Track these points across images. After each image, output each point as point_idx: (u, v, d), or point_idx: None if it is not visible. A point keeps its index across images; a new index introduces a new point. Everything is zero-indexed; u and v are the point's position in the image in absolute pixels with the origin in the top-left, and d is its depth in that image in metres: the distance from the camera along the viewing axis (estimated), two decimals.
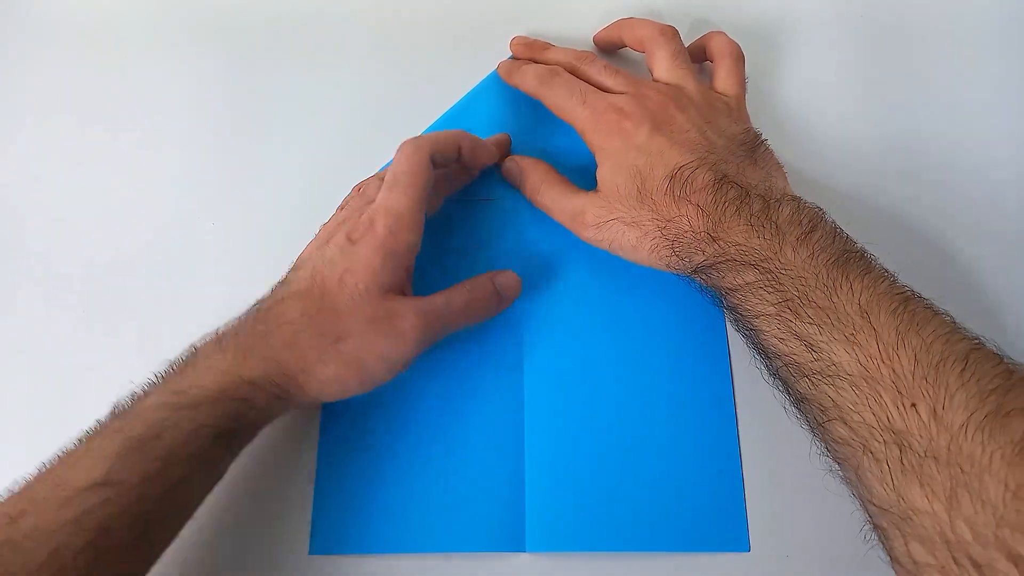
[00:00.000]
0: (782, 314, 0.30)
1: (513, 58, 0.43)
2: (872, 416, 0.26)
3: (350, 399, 0.36)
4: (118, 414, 0.30)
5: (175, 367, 0.31)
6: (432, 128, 0.42)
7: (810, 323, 0.29)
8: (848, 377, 0.27)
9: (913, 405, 0.25)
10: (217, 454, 0.30)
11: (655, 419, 0.36)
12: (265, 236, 0.41)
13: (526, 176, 0.39)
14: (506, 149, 0.41)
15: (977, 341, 0.27)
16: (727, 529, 0.34)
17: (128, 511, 0.27)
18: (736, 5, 0.46)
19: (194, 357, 0.31)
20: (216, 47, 0.46)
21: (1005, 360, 0.26)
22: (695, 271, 0.33)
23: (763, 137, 0.37)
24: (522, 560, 0.34)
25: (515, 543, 0.34)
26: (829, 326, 0.28)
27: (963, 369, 0.25)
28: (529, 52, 0.42)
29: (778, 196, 0.32)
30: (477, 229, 0.40)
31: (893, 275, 0.30)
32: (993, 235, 0.40)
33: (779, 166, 0.37)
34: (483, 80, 0.43)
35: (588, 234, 0.36)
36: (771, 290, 0.30)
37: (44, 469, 0.28)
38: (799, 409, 0.30)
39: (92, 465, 0.27)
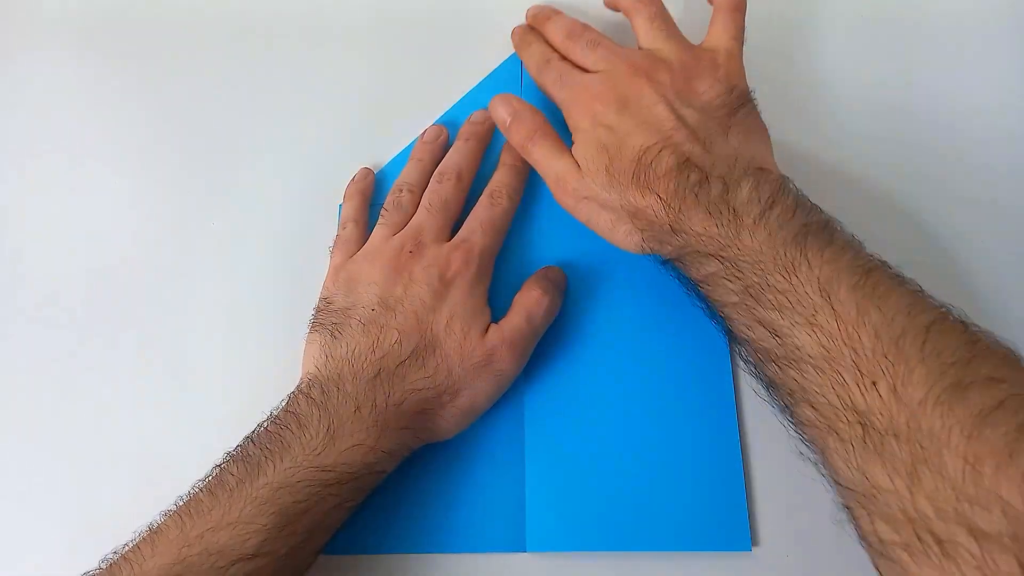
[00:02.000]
0: (745, 302, 0.30)
1: (527, 26, 0.43)
2: (836, 397, 0.26)
3: None
4: (253, 469, 0.29)
5: (314, 436, 0.30)
6: (440, 120, 0.42)
7: (772, 308, 0.29)
8: (811, 360, 0.27)
9: (874, 383, 0.25)
10: (345, 518, 0.32)
11: (656, 418, 0.36)
12: (266, 236, 0.41)
13: (519, 122, 0.38)
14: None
15: (942, 311, 0.26)
16: (728, 528, 0.34)
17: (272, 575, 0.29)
18: None
19: (333, 430, 0.30)
20: (216, 47, 0.46)
21: (970, 330, 0.26)
22: (666, 262, 0.34)
23: (751, 93, 0.36)
24: (522, 560, 0.34)
25: (515, 543, 0.34)
26: (790, 310, 0.28)
27: (924, 342, 0.25)
28: (536, 22, 0.43)
29: (739, 174, 0.32)
30: None
31: (859, 244, 0.30)
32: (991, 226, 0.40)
33: (760, 128, 0.36)
34: (492, 72, 0.43)
35: (567, 203, 0.36)
36: (732, 279, 0.30)
37: (188, 531, 0.28)
38: (770, 394, 0.30)
39: (245, 536, 0.28)
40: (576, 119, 0.36)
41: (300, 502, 0.29)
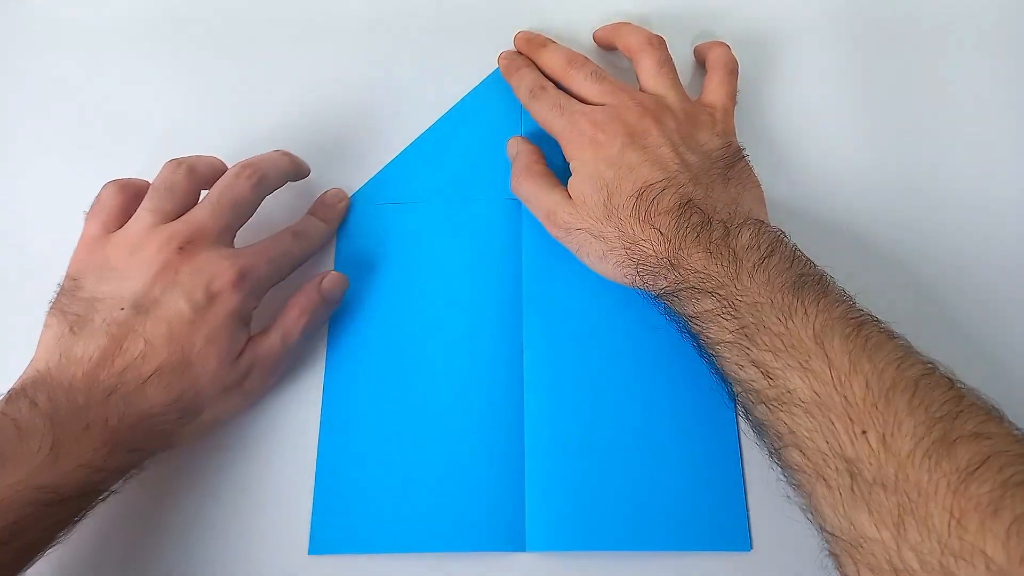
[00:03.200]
0: (739, 341, 0.30)
1: (515, 52, 0.43)
2: (825, 443, 0.26)
3: (348, 399, 0.37)
4: None
5: (35, 451, 0.27)
6: (432, 129, 0.42)
7: (766, 350, 0.29)
8: (802, 404, 0.27)
9: (863, 432, 0.25)
10: (64, 532, 0.29)
11: (655, 418, 0.36)
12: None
13: (514, 161, 0.39)
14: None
15: (930, 366, 0.27)
16: (728, 528, 0.34)
17: None
18: (735, 15, 0.46)
19: (57, 447, 0.27)
20: (214, 48, 0.46)
21: (956, 386, 0.26)
22: (659, 296, 0.34)
23: (744, 152, 0.37)
24: (522, 560, 0.34)
25: (515, 543, 0.34)
26: (784, 353, 0.28)
27: (912, 395, 0.25)
28: (527, 48, 0.42)
29: (740, 221, 0.32)
30: (475, 230, 0.40)
31: (851, 298, 0.30)
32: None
33: (755, 183, 0.37)
34: (482, 82, 0.43)
35: (557, 235, 0.37)
36: (728, 317, 0.30)
37: None
38: (758, 435, 0.30)
39: None
40: (576, 149, 0.36)
41: (12, 523, 0.26)
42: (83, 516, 0.30)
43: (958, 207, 0.41)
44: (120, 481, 0.31)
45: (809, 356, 0.28)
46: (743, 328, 0.30)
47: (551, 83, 0.40)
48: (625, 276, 0.34)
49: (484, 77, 0.43)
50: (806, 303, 0.29)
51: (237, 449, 0.36)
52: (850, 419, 0.26)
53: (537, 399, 0.36)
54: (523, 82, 0.40)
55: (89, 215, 0.34)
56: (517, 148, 0.40)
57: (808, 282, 0.30)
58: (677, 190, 0.33)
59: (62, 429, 0.28)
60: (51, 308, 0.32)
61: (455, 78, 0.44)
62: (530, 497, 0.35)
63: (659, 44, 0.39)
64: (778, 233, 0.32)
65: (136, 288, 0.31)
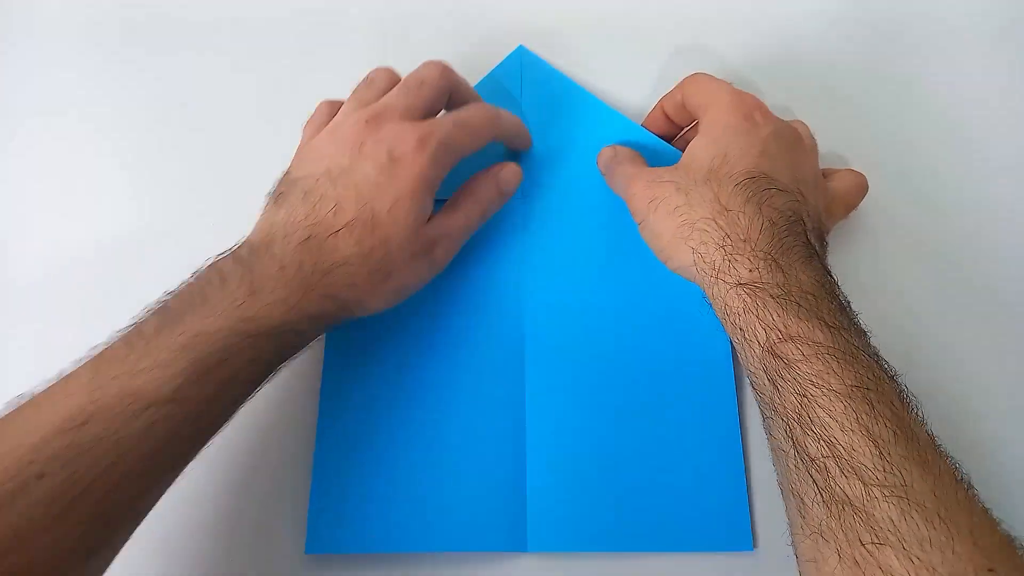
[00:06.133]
0: (856, 398, 0.26)
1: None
2: (941, 561, 0.22)
3: (347, 399, 0.36)
4: (171, 320, 0.28)
5: (235, 289, 0.29)
6: None
7: (886, 426, 0.25)
8: (922, 509, 0.23)
9: (990, 571, 0.22)
10: (262, 379, 0.31)
11: (658, 418, 0.36)
12: None
13: (612, 159, 0.38)
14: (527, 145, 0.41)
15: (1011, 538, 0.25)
16: (731, 528, 0.34)
17: (187, 426, 0.28)
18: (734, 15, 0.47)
19: (255, 286, 0.30)
20: (216, 48, 0.46)
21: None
22: (738, 284, 0.30)
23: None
24: (523, 560, 0.34)
25: (516, 543, 0.34)
26: (904, 440, 0.25)
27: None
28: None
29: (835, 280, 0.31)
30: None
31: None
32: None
33: None
34: (493, 70, 0.43)
35: (638, 187, 0.35)
36: (845, 363, 0.27)
37: (98, 372, 0.27)
38: (806, 500, 0.26)
39: (161, 381, 0.27)
40: (727, 113, 0.34)
41: (218, 351, 0.28)
42: (282, 361, 0.32)
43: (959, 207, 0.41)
44: (315, 329, 0.32)
45: (928, 457, 0.25)
46: (861, 387, 0.26)
47: None
48: (688, 242, 0.32)
49: (486, 73, 0.43)
50: (913, 401, 0.27)
51: (234, 449, 0.35)
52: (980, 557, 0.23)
53: (538, 398, 0.36)
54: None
55: (305, 127, 0.38)
56: (614, 150, 0.38)
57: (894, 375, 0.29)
58: (795, 203, 0.31)
59: (259, 271, 0.30)
60: (266, 197, 0.34)
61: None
62: (531, 497, 0.34)
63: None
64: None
65: (330, 162, 0.33)
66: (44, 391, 0.27)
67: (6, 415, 0.26)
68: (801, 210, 0.32)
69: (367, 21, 0.46)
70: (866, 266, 0.40)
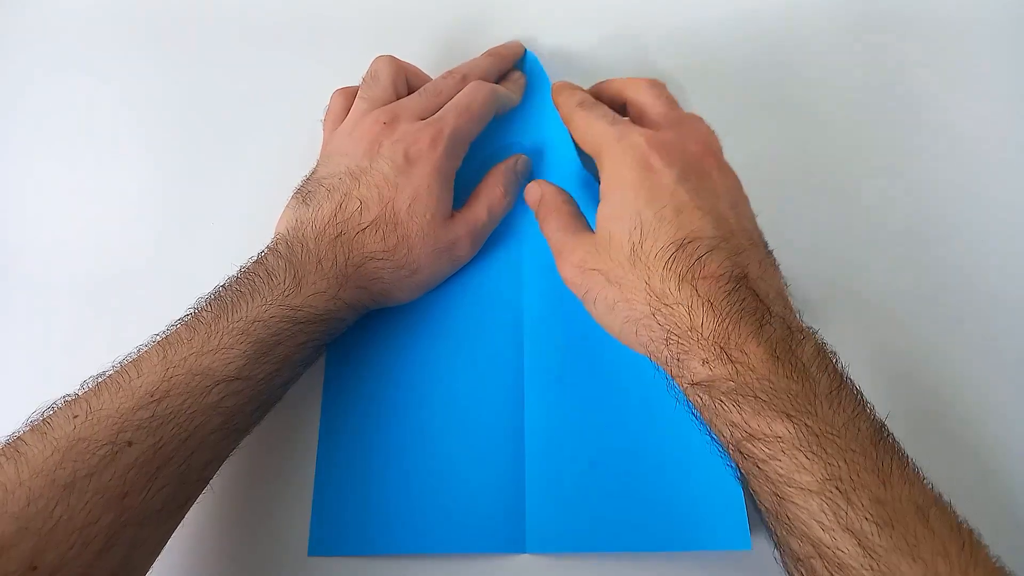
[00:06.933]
0: (829, 494, 0.24)
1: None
2: None
3: (349, 400, 0.37)
4: (228, 309, 0.31)
5: (282, 282, 0.32)
6: None
7: (866, 518, 0.23)
8: None
9: None
10: (311, 359, 0.35)
11: (655, 418, 0.36)
12: (266, 239, 0.41)
13: (540, 203, 0.37)
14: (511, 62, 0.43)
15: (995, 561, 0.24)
16: (728, 526, 0.34)
17: (251, 400, 0.31)
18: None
19: (299, 278, 0.32)
20: (219, 48, 0.46)
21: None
22: (691, 384, 0.28)
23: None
24: (522, 561, 0.34)
25: (515, 544, 0.34)
26: (889, 528, 0.23)
27: None
28: (594, 88, 0.40)
29: (797, 324, 0.28)
30: None
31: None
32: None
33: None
34: None
35: (567, 273, 0.34)
36: (813, 456, 0.24)
37: (171, 356, 0.29)
38: None
39: (227, 360, 0.29)
40: (619, 163, 0.32)
41: (273, 335, 0.31)
42: (324, 342, 0.34)
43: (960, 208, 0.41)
44: (354, 315, 0.35)
45: (917, 539, 0.23)
46: (834, 479, 0.24)
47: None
48: (637, 339, 0.30)
49: None
50: (898, 464, 0.25)
51: (237, 452, 0.35)
52: None
53: (537, 399, 0.36)
54: (573, 97, 0.37)
55: (323, 122, 0.40)
56: (541, 191, 0.37)
57: (886, 432, 0.26)
58: (731, 256, 0.28)
59: (300, 266, 0.33)
60: (292, 195, 0.36)
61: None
62: (530, 498, 0.35)
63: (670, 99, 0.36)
64: (833, 351, 0.28)
65: (350, 162, 0.35)
66: (118, 372, 0.29)
67: (90, 390, 0.28)
68: (739, 260, 0.29)
69: (370, 20, 0.46)
70: (863, 267, 0.40)
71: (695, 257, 0.28)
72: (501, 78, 0.42)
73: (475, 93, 0.38)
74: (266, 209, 0.39)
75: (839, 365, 0.28)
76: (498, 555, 0.34)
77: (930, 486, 0.25)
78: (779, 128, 0.44)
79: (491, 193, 0.38)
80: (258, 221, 0.37)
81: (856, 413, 0.26)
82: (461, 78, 0.39)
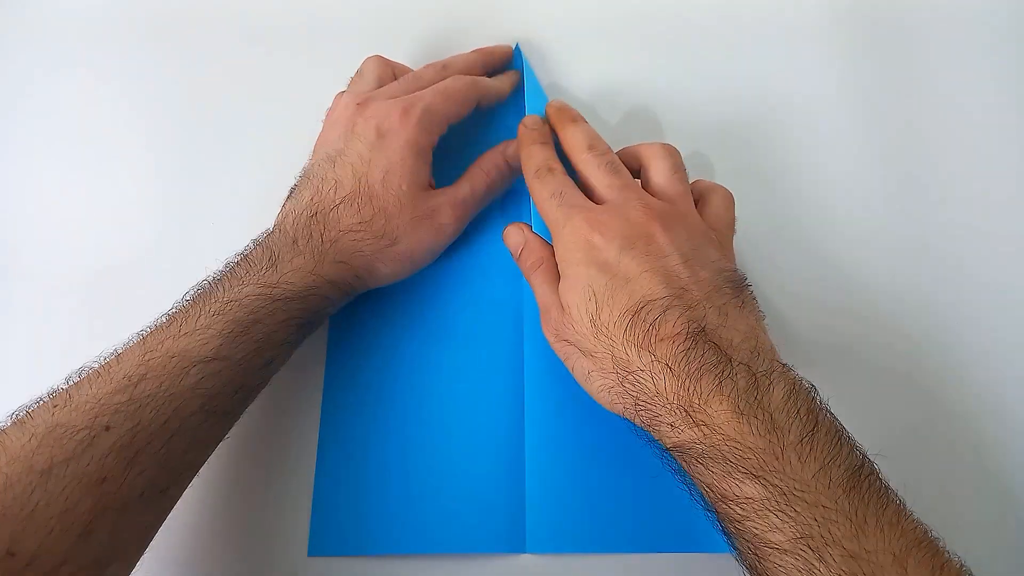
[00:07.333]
0: (801, 553, 0.24)
1: (540, 120, 0.39)
2: None
3: (348, 401, 0.37)
4: (206, 295, 0.31)
5: (258, 262, 0.33)
6: None
7: (841, 572, 0.23)
8: None
9: None
10: (296, 340, 0.34)
11: None
12: None
13: (528, 250, 0.36)
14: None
15: None
16: None
17: (232, 382, 0.30)
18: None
19: (275, 257, 0.33)
20: (219, 48, 0.46)
21: None
22: (665, 449, 0.29)
23: (748, 281, 0.32)
24: (522, 561, 0.34)
25: (515, 544, 0.34)
26: None
27: None
28: (556, 119, 0.38)
29: (766, 367, 0.27)
30: (476, 229, 0.40)
31: (905, 503, 0.25)
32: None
33: (760, 315, 0.31)
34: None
35: (549, 339, 0.34)
36: (782, 515, 0.25)
37: (149, 342, 0.30)
38: None
39: (202, 341, 0.30)
40: (567, 247, 0.32)
41: (250, 313, 0.31)
42: (307, 322, 0.34)
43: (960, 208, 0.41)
44: (339, 294, 0.35)
45: None
46: (805, 538, 0.24)
47: (560, 166, 0.36)
48: (614, 405, 0.31)
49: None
50: (874, 510, 0.24)
51: (237, 451, 0.36)
52: None
53: (537, 399, 0.36)
54: (532, 159, 0.36)
55: (324, 121, 0.39)
56: (524, 238, 0.36)
57: (864, 474, 0.25)
58: (685, 312, 0.29)
59: (276, 247, 0.33)
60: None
61: None
62: (530, 498, 0.35)
63: (674, 151, 0.36)
64: (809, 387, 0.28)
65: (329, 148, 0.36)
66: (101, 364, 0.29)
67: (72, 384, 0.29)
68: (694, 314, 0.29)
69: (369, 21, 0.46)
70: (861, 268, 0.40)
71: (649, 322, 0.29)
72: (490, 75, 0.42)
73: (454, 79, 0.38)
74: (266, 209, 0.39)
75: (814, 403, 0.27)
76: (498, 555, 0.34)
77: (913, 526, 0.25)
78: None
79: (474, 171, 0.38)
80: (258, 221, 0.37)
81: (829, 460, 0.25)
82: (442, 67, 0.40)
